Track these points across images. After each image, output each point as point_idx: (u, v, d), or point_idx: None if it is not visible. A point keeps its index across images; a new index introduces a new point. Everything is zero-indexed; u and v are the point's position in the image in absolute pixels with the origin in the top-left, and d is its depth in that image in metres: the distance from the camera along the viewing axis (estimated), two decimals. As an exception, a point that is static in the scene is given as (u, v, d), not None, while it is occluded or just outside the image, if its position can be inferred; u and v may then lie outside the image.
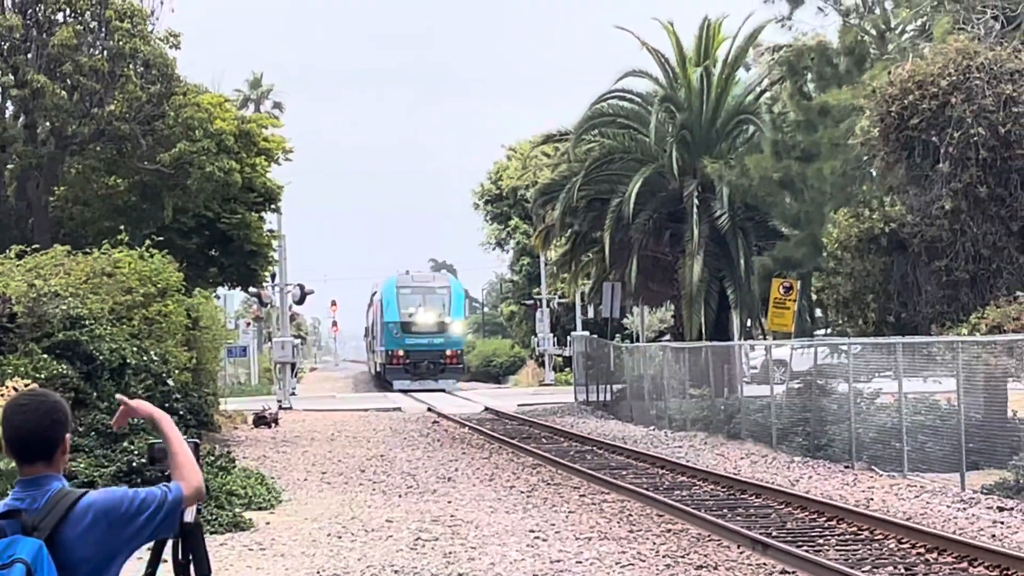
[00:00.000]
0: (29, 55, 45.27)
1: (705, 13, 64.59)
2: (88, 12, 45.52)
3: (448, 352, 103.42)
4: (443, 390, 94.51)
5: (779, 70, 53.21)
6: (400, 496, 30.00)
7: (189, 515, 6.65)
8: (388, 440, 45.72)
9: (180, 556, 6.82)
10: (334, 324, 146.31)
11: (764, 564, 21.58)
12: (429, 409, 66.72)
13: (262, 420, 48.72)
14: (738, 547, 22.96)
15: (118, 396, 6.49)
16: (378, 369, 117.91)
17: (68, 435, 6.22)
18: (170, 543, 6.79)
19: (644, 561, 21.27)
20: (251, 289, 73.97)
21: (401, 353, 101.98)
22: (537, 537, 23.40)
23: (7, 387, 22.95)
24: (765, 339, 56.02)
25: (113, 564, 6.12)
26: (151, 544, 6.59)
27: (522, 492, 30.97)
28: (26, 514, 5.93)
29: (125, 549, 6.13)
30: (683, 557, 21.85)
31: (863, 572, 19.93)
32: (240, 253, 53.93)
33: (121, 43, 45.26)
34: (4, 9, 46.05)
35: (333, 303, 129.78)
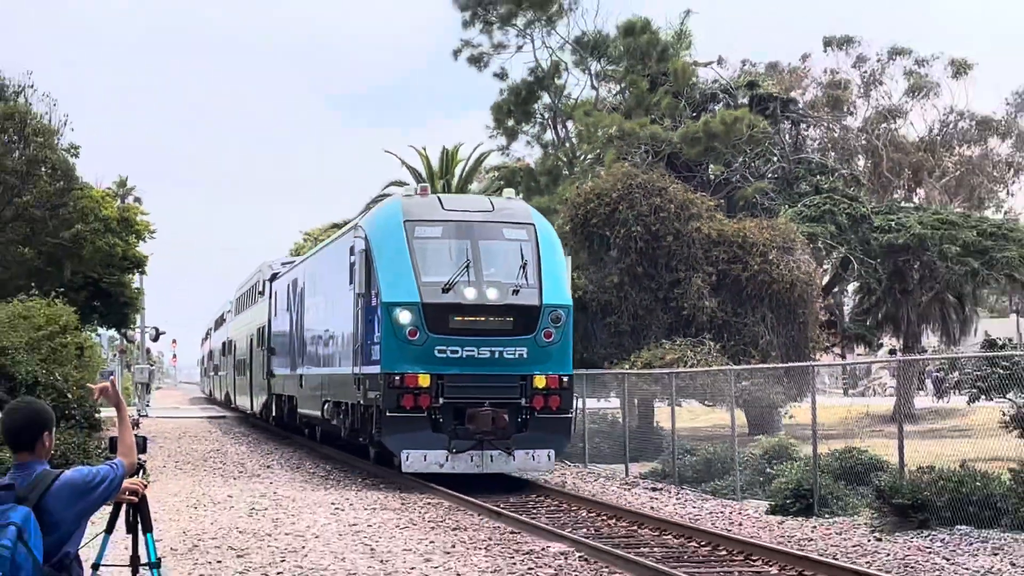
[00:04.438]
0: None
1: (443, 144, 73.24)
2: (11, 128, 48.71)
3: (539, 382, 27.52)
4: (523, 483, 28.95)
5: (498, 183, 59.50)
6: (235, 478, 30.98)
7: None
8: (221, 439, 47.04)
9: (130, 517, 8.16)
10: (174, 356, 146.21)
11: (499, 527, 22.42)
12: (247, 413, 57.58)
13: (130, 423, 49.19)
14: (479, 515, 23.96)
15: (99, 384, 7.65)
16: (326, 414, 34.81)
17: (48, 432, 6.92)
18: (123, 508, 8.21)
19: (415, 525, 22.26)
20: (123, 330, 75.07)
21: (424, 381, 26.46)
22: (338, 508, 24.30)
23: None
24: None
25: (81, 523, 6.85)
26: (108, 507, 7.63)
27: (320, 475, 32.33)
28: (18, 488, 6.64)
29: (90, 510, 6.85)
30: (441, 521, 22.93)
31: (566, 532, 20.98)
32: (116, 304, 56.94)
33: (35, 152, 49.04)
34: None
35: (174, 341, 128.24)
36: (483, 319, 25.05)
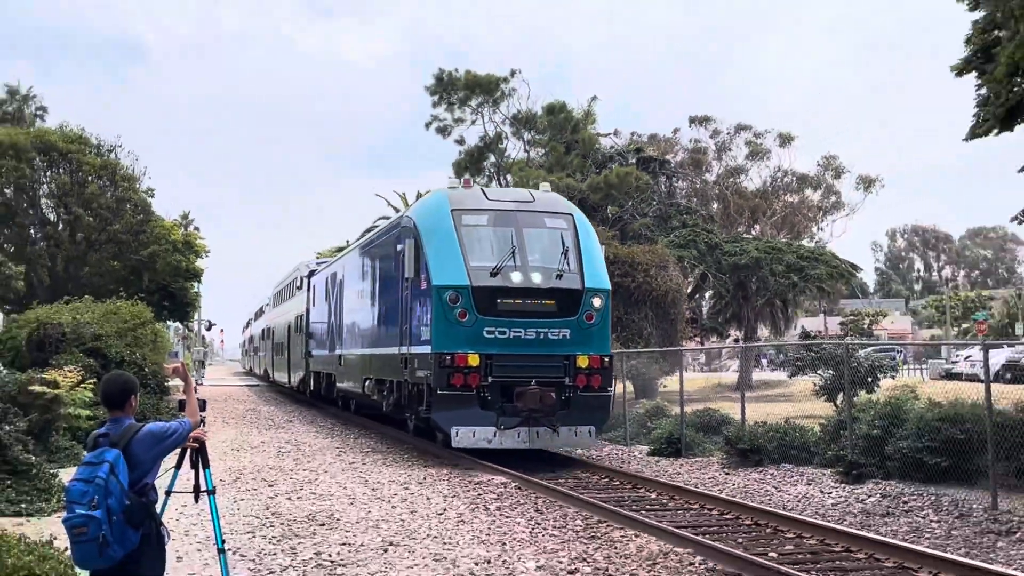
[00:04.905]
0: (72, 198, 48.14)
1: (417, 189, 70.96)
2: (106, 176, 49.19)
3: (582, 362, 21.02)
4: (567, 458, 22.74)
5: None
6: (266, 429, 30.29)
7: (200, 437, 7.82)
8: (256, 401, 45.52)
9: (194, 457, 7.95)
10: (222, 341, 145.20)
11: (457, 465, 22.54)
12: (285, 387, 51.11)
13: None
14: (442, 456, 24.46)
15: (172, 364, 8.28)
16: (367, 390, 27.33)
17: (134, 396, 6.90)
18: (188, 451, 7.98)
19: (397, 464, 21.93)
20: (185, 322, 73.20)
21: (473, 361, 20.48)
22: (341, 451, 24.03)
23: (64, 370, 22.99)
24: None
25: (157, 462, 6.82)
26: (176, 452, 7.51)
27: (327, 427, 31.77)
28: (112, 436, 6.64)
29: (163, 453, 6.85)
30: (415, 459, 23.03)
31: (503, 468, 19.63)
32: (180, 304, 56.33)
33: (122, 193, 49.64)
34: (60, 172, 48.84)
35: (222, 330, 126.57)
36: (529, 302, 20.48)
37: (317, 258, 51.33)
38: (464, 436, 19.93)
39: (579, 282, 20.78)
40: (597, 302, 20.86)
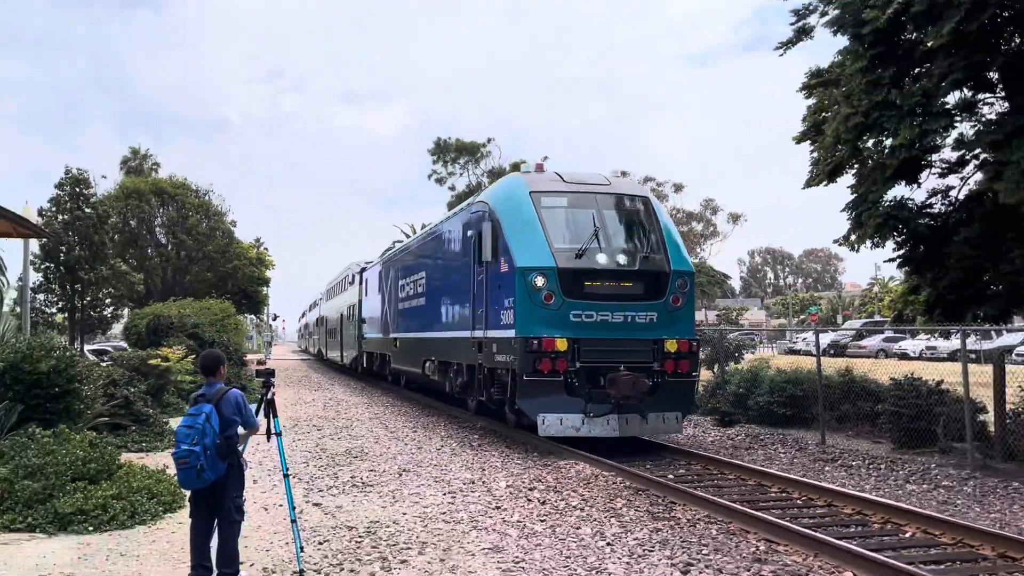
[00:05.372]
0: (178, 227, 48.20)
1: (422, 221, 66.30)
2: (202, 211, 49.16)
3: (671, 346, 14.45)
4: (661, 446, 15.02)
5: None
6: (316, 390, 29.48)
7: (270, 395, 7.37)
8: (307, 371, 44.24)
9: (267, 409, 7.35)
10: (283, 327, 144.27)
11: (453, 415, 22.00)
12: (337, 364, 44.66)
13: (261, 363, 48.10)
14: (427, 403, 25.63)
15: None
16: (427, 371, 20.98)
17: (223, 366, 6.75)
18: (263, 403, 7.35)
19: (407, 415, 21.60)
20: (259, 315, 76.40)
21: (561, 345, 13.93)
22: (369, 406, 23.20)
23: (172, 349, 22.55)
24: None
25: (237, 418, 6.61)
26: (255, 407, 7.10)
27: (358, 388, 30.93)
28: (207, 395, 6.55)
29: (239, 413, 6.64)
30: (422, 409, 22.93)
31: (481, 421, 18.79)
32: (255, 302, 55.46)
33: (214, 223, 49.44)
34: (169, 209, 48.86)
35: (284, 320, 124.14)
36: (616, 284, 14.72)
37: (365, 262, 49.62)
38: (552, 424, 14.06)
39: (665, 264, 14.97)
40: (683, 284, 14.98)
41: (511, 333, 14.29)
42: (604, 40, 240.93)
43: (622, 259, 14.51)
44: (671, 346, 14.24)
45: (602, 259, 14.35)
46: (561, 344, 13.75)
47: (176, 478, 6.65)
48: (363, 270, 35.05)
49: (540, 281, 14.12)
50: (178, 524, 8.74)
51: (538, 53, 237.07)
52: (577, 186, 15.58)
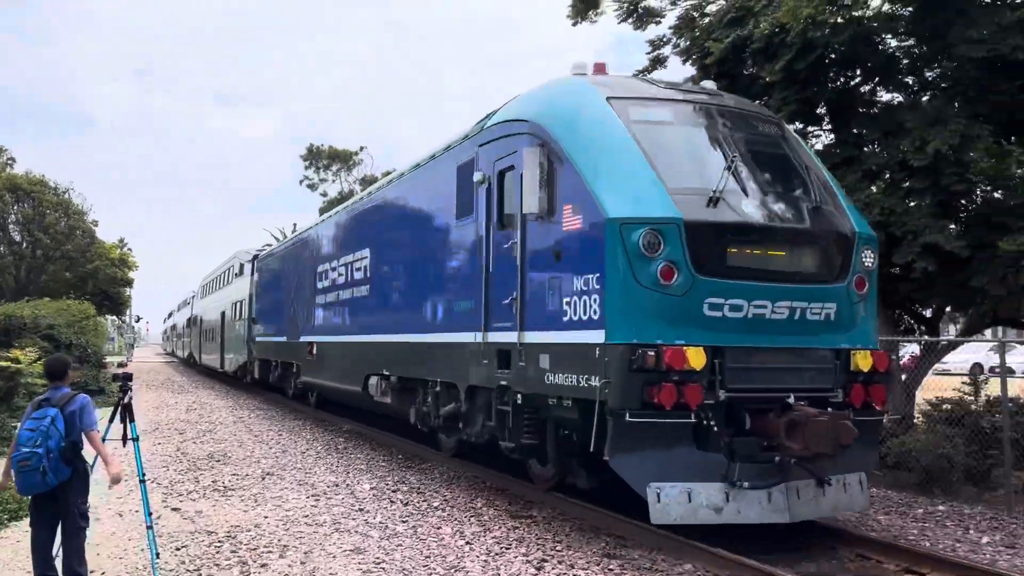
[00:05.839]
0: (34, 224, 46.04)
1: (294, 222, 66.31)
2: (60, 210, 47.24)
3: (862, 361, 6.91)
4: (813, 525, 6.81)
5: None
6: (178, 393, 28.75)
7: (127, 399, 7.15)
8: (171, 373, 43.21)
9: (123, 412, 7.27)
10: (147, 329, 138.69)
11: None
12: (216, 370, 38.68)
13: (121, 365, 45.67)
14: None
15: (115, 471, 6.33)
16: (392, 398, 11.98)
17: (70, 370, 6.62)
18: (119, 407, 7.23)
19: (273, 418, 21.08)
20: (120, 316, 71.59)
21: (693, 359, 6.37)
22: (234, 409, 22.89)
23: (24, 351, 20.92)
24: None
25: (80, 423, 6.36)
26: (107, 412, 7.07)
27: (223, 392, 30.00)
28: (52, 399, 6.38)
29: (86, 417, 6.40)
30: (289, 412, 22.84)
31: None
32: (116, 304, 53.81)
33: (73, 222, 47.57)
34: (24, 206, 46.43)
35: (148, 322, 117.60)
36: (779, 253, 7.32)
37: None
38: (673, 501, 7.14)
39: (848, 222, 8.22)
40: (869, 258, 8.23)
41: (591, 336, 7.50)
42: (480, 58, 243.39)
43: (783, 210, 7.86)
44: (862, 361, 7.98)
45: (750, 208, 7.67)
46: (695, 357, 7.24)
47: (14, 484, 6.38)
48: (255, 258, 28.26)
49: (652, 243, 7.31)
50: (24, 532, 8.40)
51: (416, 67, 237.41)
52: (683, 94, 8.93)
